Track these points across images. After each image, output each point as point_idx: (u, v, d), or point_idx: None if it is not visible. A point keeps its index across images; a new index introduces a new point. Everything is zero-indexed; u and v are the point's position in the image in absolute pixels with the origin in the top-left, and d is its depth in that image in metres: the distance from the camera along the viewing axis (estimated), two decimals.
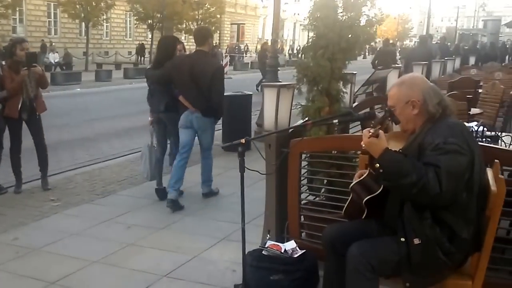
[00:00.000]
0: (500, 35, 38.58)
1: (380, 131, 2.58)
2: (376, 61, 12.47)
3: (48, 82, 6.80)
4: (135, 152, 8.41)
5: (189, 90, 5.35)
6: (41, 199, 5.84)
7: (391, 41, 23.07)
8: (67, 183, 6.57)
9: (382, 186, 2.69)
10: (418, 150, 2.56)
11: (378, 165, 2.51)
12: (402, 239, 2.55)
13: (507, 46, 22.96)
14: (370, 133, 2.53)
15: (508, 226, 3.56)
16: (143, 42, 37.96)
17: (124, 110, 13.98)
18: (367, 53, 45.96)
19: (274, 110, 4.11)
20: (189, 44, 47.48)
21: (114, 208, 5.52)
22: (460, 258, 2.58)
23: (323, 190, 4.25)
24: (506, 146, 4.13)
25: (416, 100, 2.65)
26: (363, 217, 2.87)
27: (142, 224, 4.99)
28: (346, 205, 2.98)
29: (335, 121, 3.42)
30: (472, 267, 2.66)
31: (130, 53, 38.61)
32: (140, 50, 36.93)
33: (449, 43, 25.44)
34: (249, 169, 3.06)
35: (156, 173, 5.82)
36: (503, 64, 15.90)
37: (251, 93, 8.91)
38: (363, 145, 2.59)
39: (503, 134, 4.67)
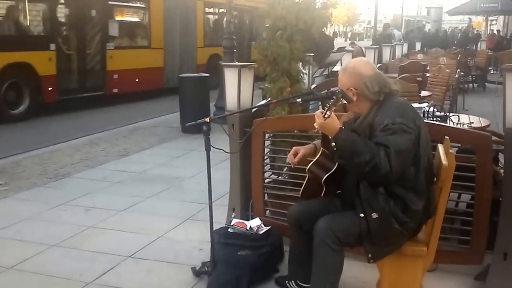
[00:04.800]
0: (442, 22, 39.91)
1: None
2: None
3: None
4: (89, 134, 8.28)
5: None
6: None
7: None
8: (15, 167, 6.34)
9: (336, 163, 2.78)
10: (369, 130, 2.68)
11: (333, 144, 2.59)
12: (362, 215, 2.68)
13: (470, 34, 23.89)
14: (327, 116, 2.57)
15: (457, 199, 3.77)
16: None
17: None
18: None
19: (236, 90, 4.11)
20: None
21: (69, 191, 5.38)
22: (413, 227, 2.73)
23: (285, 169, 4.32)
24: (454, 125, 4.34)
25: (354, 88, 2.75)
26: (322, 195, 2.95)
27: (101, 206, 4.89)
28: (303, 187, 3.05)
29: (299, 100, 3.48)
30: (427, 235, 2.83)
31: None
32: None
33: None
34: (215, 148, 3.06)
35: None
36: (445, 50, 16.47)
37: (207, 74, 8.85)
38: (316, 126, 2.65)
39: (451, 114, 4.92)
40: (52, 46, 9.94)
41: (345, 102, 2.74)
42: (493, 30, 30.93)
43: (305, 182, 3.03)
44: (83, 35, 10.85)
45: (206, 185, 3.12)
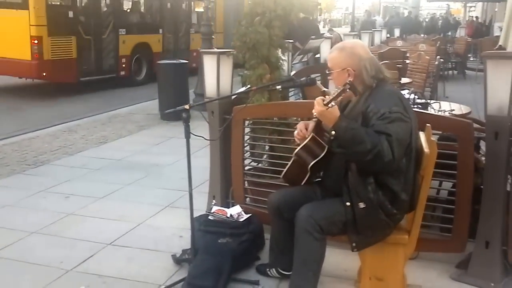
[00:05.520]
0: (420, 9, 40.12)
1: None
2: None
3: None
4: (67, 122, 8.19)
5: None
6: None
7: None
8: None
9: (325, 149, 2.76)
10: (362, 118, 2.61)
11: (333, 132, 2.51)
12: (348, 203, 2.65)
13: (451, 21, 24.08)
14: (330, 106, 2.50)
15: (438, 186, 3.79)
16: None
17: None
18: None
19: (215, 77, 4.09)
20: None
21: (49, 178, 5.34)
22: (400, 218, 2.74)
23: (265, 156, 4.34)
24: (435, 112, 4.37)
25: (352, 69, 2.69)
26: (304, 182, 2.92)
27: (81, 193, 4.86)
28: (286, 170, 3.00)
29: (278, 87, 3.49)
30: (409, 223, 2.84)
31: None
32: None
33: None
34: (194, 135, 3.06)
35: None
36: (424, 36, 16.58)
37: (186, 61, 8.81)
38: (315, 114, 2.59)
39: (432, 101, 4.94)
40: (160, 31, 13.55)
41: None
42: (471, 16, 31.17)
43: (289, 164, 2.98)
44: (177, 22, 14.42)
45: (185, 172, 3.10)
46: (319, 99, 2.55)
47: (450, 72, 13.61)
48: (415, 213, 2.76)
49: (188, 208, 3.14)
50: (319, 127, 2.82)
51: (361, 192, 2.61)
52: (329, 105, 2.49)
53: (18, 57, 9.93)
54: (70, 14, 10.70)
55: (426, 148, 2.67)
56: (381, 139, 2.46)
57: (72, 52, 10.67)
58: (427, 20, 26.52)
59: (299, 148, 2.89)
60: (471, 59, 16.08)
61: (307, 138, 2.87)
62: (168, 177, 5.40)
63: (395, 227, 2.74)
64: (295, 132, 2.95)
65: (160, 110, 8.46)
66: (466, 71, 14.06)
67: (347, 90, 2.52)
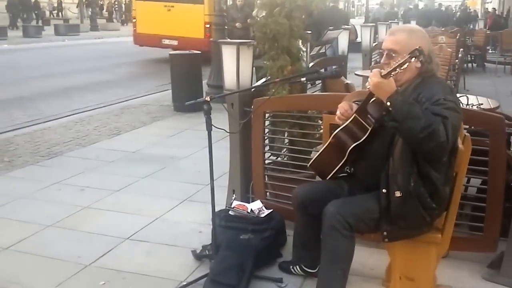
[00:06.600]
0: (435, 1, 39.68)
1: None
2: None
3: None
4: (79, 113, 8.13)
5: None
6: None
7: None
8: (6, 144, 6.22)
9: (367, 132, 2.60)
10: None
11: (388, 103, 2.39)
12: (384, 190, 2.55)
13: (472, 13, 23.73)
14: (393, 74, 2.39)
15: (466, 183, 3.66)
16: None
17: (60, 69, 13.37)
18: None
19: (234, 68, 4.00)
20: None
21: (62, 170, 5.26)
22: (438, 214, 2.62)
23: (285, 150, 4.23)
24: (463, 106, 4.23)
25: (426, 53, 2.55)
26: (333, 173, 2.77)
27: (96, 186, 4.78)
28: (316, 156, 2.83)
29: (303, 79, 3.37)
30: (441, 221, 2.71)
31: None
32: None
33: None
34: (216, 127, 2.97)
35: None
36: (442, 29, 16.29)
37: (199, 52, 8.71)
38: (368, 87, 2.48)
39: (459, 95, 4.77)
40: None
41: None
42: (487, 8, 30.75)
43: (322, 149, 2.82)
44: None
45: (202, 165, 3.06)
46: (376, 71, 2.44)
47: (470, 65, 13.37)
48: (448, 211, 2.66)
49: (207, 202, 3.08)
50: (362, 109, 2.66)
51: (400, 181, 2.50)
52: (392, 74, 2.39)
53: (195, 36, 14.08)
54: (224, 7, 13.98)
55: (460, 144, 2.56)
56: (437, 120, 2.34)
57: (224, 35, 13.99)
58: (457, 12, 26.05)
59: (339, 129, 2.72)
60: (490, 51, 15.83)
61: (349, 119, 2.70)
62: (185, 170, 5.29)
63: (432, 225, 2.62)
64: (338, 112, 2.78)
65: (173, 101, 8.36)
66: (485, 64, 13.81)
67: (413, 59, 2.40)
